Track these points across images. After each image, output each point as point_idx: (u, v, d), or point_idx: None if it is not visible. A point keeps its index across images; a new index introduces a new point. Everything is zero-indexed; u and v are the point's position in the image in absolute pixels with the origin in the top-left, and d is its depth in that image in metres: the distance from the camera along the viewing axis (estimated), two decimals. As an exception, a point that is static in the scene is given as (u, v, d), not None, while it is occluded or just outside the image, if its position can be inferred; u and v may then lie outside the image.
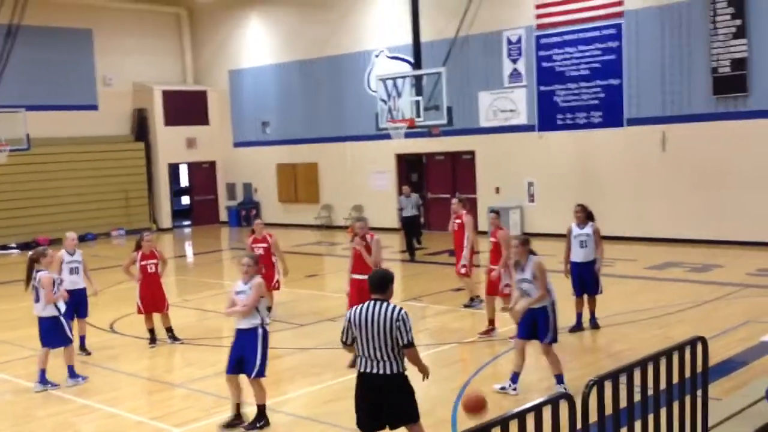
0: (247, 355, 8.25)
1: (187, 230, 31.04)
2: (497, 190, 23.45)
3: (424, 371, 6.50)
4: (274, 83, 29.32)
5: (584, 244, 11.63)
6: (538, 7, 22.01)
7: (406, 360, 6.36)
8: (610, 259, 15.49)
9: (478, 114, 23.40)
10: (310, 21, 27.67)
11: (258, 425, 8.32)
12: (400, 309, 6.34)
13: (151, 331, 12.26)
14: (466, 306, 13.65)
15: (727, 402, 7.70)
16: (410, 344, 6.29)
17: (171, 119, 30.28)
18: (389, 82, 19.53)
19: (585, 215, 11.75)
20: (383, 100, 19.57)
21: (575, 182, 21.43)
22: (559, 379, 8.88)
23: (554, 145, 22.11)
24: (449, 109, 19.10)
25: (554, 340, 9.01)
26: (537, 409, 5.04)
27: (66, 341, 10.38)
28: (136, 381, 10.72)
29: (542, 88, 22.19)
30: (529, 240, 9.26)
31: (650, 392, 5.93)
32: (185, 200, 33.45)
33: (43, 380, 10.18)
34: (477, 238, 14.01)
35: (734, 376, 9.07)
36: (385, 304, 6.34)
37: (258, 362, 8.23)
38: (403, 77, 19.70)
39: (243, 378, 8.38)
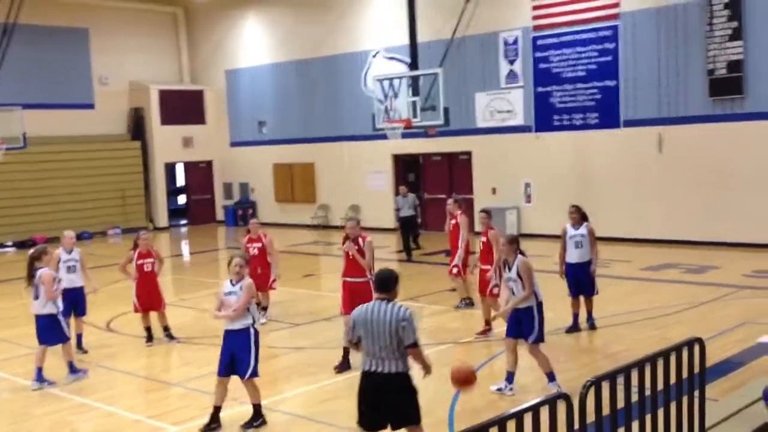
0: (240, 356, 8.21)
1: (184, 229, 31.03)
2: (494, 190, 23.48)
3: (428, 369, 6.51)
4: (271, 83, 29.32)
5: (579, 244, 11.65)
6: (535, 8, 22.04)
7: (410, 359, 6.37)
8: (606, 260, 15.55)
9: (475, 115, 23.42)
10: (307, 21, 27.68)
11: (255, 424, 8.33)
12: (406, 309, 6.39)
13: (148, 329, 12.28)
14: (457, 307, 13.69)
15: (724, 403, 7.72)
16: (415, 344, 6.33)
17: (167, 118, 30.26)
18: (386, 83, 19.57)
19: (580, 216, 11.77)
20: (380, 101, 19.60)
21: (572, 183, 21.46)
22: (551, 377, 8.89)
23: (551, 146, 22.14)
24: (446, 110, 19.14)
25: (540, 339, 8.97)
26: (534, 410, 5.06)
27: (63, 339, 10.39)
28: (133, 380, 10.72)
29: (539, 89, 22.22)
30: (516, 239, 9.26)
31: (647, 393, 5.96)
32: (182, 199, 33.43)
33: (40, 378, 10.19)
34: (473, 239, 14.03)
35: (731, 377, 9.10)
36: (390, 304, 6.40)
37: (252, 363, 8.22)
38: (400, 78, 19.73)
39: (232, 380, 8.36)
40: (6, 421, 9.19)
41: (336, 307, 11.26)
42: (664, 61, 19.89)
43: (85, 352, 11.82)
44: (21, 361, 11.43)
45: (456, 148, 24.22)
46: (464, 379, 6.74)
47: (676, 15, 19.59)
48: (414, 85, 19.76)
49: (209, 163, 31.80)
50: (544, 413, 5.08)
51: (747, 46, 18.51)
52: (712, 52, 18.91)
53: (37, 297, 10.20)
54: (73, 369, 10.52)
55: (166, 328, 12.39)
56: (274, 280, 13.55)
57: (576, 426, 5.22)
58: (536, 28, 22.09)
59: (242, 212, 29.87)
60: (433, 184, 25.48)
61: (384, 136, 20.98)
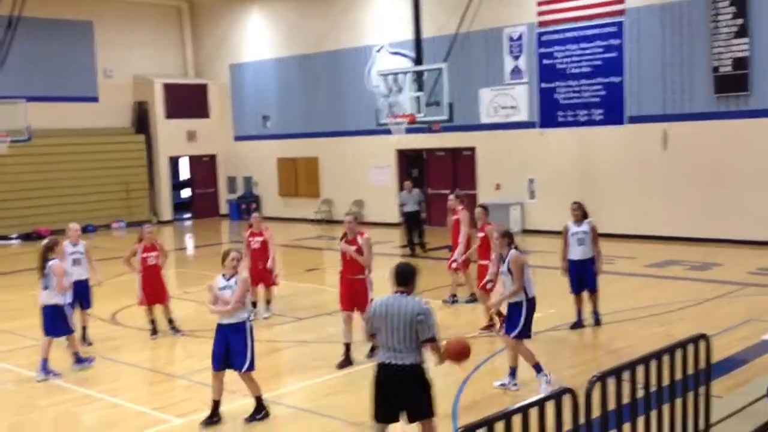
0: (235, 350, 8.22)
1: (188, 223, 31.05)
2: (497, 186, 23.46)
3: (442, 361, 6.60)
4: (275, 77, 29.31)
5: (582, 241, 11.64)
6: (540, 4, 22.00)
7: (426, 353, 6.42)
8: (610, 256, 15.52)
9: (479, 110, 23.40)
10: (311, 16, 27.67)
11: (258, 417, 8.35)
12: (425, 302, 6.47)
13: (153, 322, 12.31)
14: (444, 302, 13.71)
15: (728, 400, 7.72)
16: (434, 338, 6.39)
17: (171, 112, 30.27)
18: (390, 78, 19.55)
19: (582, 213, 11.77)
20: (384, 96, 19.58)
21: (576, 180, 21.44)
22: (537, 368, 8.87)
23: (555, 142, 22.12)
24: (450, 105, 19.11)
25: (522, 335, 8.93)
26: (540, 404, 5.06)
27: (68, 330, 10.45)
28: (137, 372, 10.76)
29: (543, 85, 22.19)
30: (509, 232, 9.23)
31: (652, 389, 5.96)
32: (185, 193, 33.45)
33: (45, 369, 10.22)
34: (474, 234, 14.03)
35: (735, 374, 9.10)
36: (409, 297, 6.45)
37: (248, 356, 8.23)
38: (404, 73, 19.72)
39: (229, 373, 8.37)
40: (10, 412, 9.23)
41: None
42: (669, 57, 19.86)
43: (90, 344, 11.86)
44: (25, 353, 11.46)
45: (460, 143, 24.20)
46: (460, 351, 6.76)
47: (681, 11, 19.56)
48: (418, 80, 19.74)
49: (213, 157, 31.80)
50: (550, 408, 5.09)
51: (752, 44, 18.47)
52: (717, 49, 18.88)
53: (46, 288, 10.24)
54: (78, 359, 10.57)
55: (170, 321, 12.43)
56: (276, 275, 13.56)
57: (581, 421, 5.23)
58: (541, 24, 22.06)
59: (246, 206, 29.87)
60: (436, 179, 25.47)
61: (388, 131, 20.95)
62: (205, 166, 31.79)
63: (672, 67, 19.83)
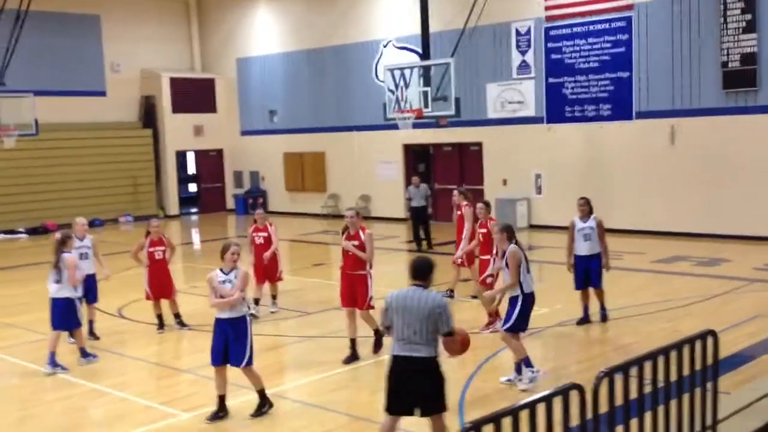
0: (234, 345, 8.19)
1: (194, 218, 31.10)
2: (504, 181, 23.43)
3: (454, 354, 6.69)
4: (281, 72, 29.30)
5: (588, 237, 11.61)
6: (548, -2, 21.97)
7: (440, 346, 6.48)
8: (617, 252, 15.51)
9: (486, 105, 23.37)
10: (318, 10, 27.64)
11: (263, 410, 8.35)
12: (442, 296, 6.53)
13: (159, 317, 12.33)
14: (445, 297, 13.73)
15: (736, 396, 7.70)
16: (451, 333, 6.43)
17: (179, 107, 30.30)
18: (397, 73, 19.52)
19: (589, 208, 11.74)
20: (391, 91, 19.55)
21: (583, 175, 21.39)
22: (527, 362, 8.87)
23: (562, 137, 22.06)
24: (457, 100, 19.10)
25: (514, 329, 8.94)
26: (547, 400, 5.05)
27: (77, 324, 10.51)
28: (144, 366, 10.77)
29: (551, 80, 22.13)
30: (509, 227, 9.24)
31: (660, 385, 5.93)
32: (192, 188, 33.49)
33: (53, 363, 10.24)
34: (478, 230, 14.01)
35: (743, 370, 9.07)
36: (426, 291, 6.51)
37: (247, 351, 8.23)
38: (412, 68, 19.67)
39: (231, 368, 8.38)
40: (17, 406, 9.25)
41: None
42: (678, 52, 19.78)
43: (97, 338, 11.87)
44: (32, 347, 11.49)
45: (467, 138, 24.16)
46: (464, 344, 6.78)
47: (689, 7, 19.47)
48: (425, 75, 19.69)
49: (220, 152, 31.83)
50: (557, 404, 5.07)
51: (761, 39, 18.39)
52: (726, 45, 18.80)
53: (58, 281, 10.27)
54: (84, 353, 10.62)
55: (177, 316, 12.44)
56: (281, 271, 13.54)
57: (589, 416, 5.21)
58: (549, 18, 21.98)
59: (252, 201, 29.90)
60: (443, 174, 25.44)
61: (395, 126, 20.93)
62: (211, 161, 31.82)
63: (680, 62, 19.75)
